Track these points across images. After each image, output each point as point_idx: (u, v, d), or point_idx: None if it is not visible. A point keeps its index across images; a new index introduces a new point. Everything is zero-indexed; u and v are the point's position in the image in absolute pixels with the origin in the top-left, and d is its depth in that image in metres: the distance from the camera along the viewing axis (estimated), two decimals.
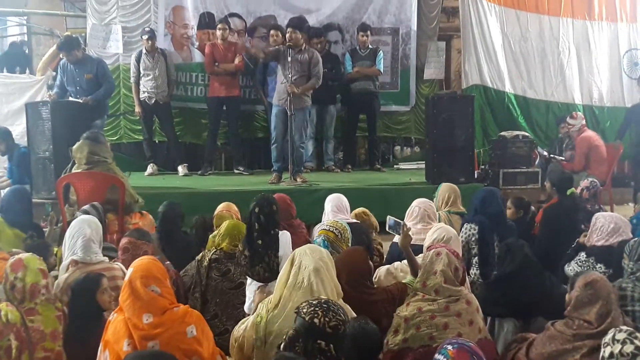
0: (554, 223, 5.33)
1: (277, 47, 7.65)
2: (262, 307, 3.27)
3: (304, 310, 2.56)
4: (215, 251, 4.33)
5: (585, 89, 10.17)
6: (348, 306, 3.24)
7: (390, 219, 4.25)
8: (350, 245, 4.17)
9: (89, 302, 3.39)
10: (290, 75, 7.22)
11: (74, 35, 8.13)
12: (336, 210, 5.13)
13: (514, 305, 3.87)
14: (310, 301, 2.62)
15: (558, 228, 5.21)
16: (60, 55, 7.70)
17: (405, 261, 4.29)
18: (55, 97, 7.27)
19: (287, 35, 7.40)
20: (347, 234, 4.20)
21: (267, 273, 3.90)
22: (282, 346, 2.56)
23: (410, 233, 4.69)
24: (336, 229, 4.18)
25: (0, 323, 3.17)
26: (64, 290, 3.76)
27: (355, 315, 3.19)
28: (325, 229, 4.18)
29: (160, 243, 4.60)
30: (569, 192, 5.85)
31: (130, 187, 5.96)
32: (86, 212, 4.80)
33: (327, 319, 2.52)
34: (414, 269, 3.95)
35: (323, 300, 2.62)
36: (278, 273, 3.81)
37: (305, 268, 3.14)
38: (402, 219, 5.00)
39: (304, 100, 7.51)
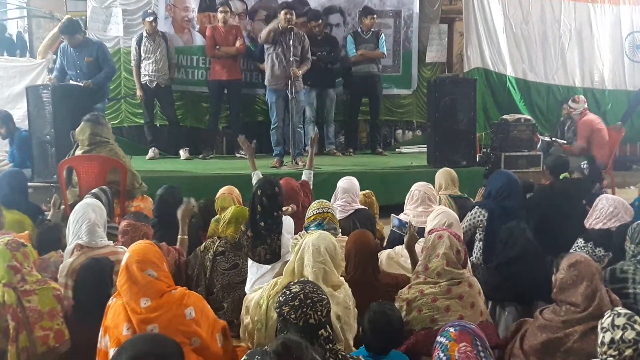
0: (541, 206, 5.25)
1: (275, 27, 7.64)
2: (267, 289, 3.29)
3: (292, 315, 2.49)
4: (219, 243, 4.29)
5: (587, 72, 10.16)
6: (349, 289, 3.26)
7: (394, 219, 4.25)
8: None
9: (99, 285, 3.37)
10: (291, 59, 7.23)
11: (74, 19, 8.09)
12: (346, 193, 5.12)
13: (516, 290, 3.85)
14: (291, 302, 2.51)
15: (546, 212, 5.13)
16: (61, 39, 7.66)
17: (398, 247, 4.30)
18: (55, 81, 7.24)
19: (287, 17, 7.40)
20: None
21: (269, 255, 3.90)
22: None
23: (411, 216, 4.75)
24: (328, 208, 4.30)
25: None
26: (69, 274, 3.75)
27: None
28: (320, 212, 4.24)
29: (157, 227, 4.57)
30: (561, 176, 5.85)
31: (134, 170, 5.98)
32: (95, 196, 4.81)
33: (318, 313, 2.50)
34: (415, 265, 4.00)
35: (302, 296, 2.52)
36: (279, 255, 3.88)
37: (309, 265, 3.17)
38: (404, 203, 5.04)
39: (300, 83, 7.60)
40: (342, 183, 5.22)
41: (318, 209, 4.32)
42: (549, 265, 3.84)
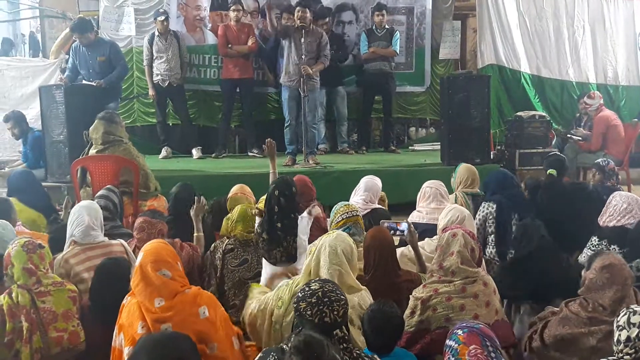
0: (551, 203, 5.24)
1: (288, 24, 7.62)
2: (285, 290, 3.26)
3: (308, 312, 2.48)
4: (228, 241, 4.30)
5: (600, 67, 10.10)
6: (367, 296, 3.24)
7: (384, 223, 4.20)
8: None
9: (116, 285, 3.37)
10: (303, 57, 7.22)
11: (86, 17, 8.12)
12: (368, 192, 5.13)
13: (531, 288, 3.82)
14: (309, 299, 2.51)
15: (556, 208, 5.09)
16: (73, 38, 7.68)
17: (420, 243, 4.28)
18: (67, 81, 7.27)
19: (299, 14, 7.37)
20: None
21: (284, 257, 3.89)
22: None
23: (424, 213, 4.74)
24: (355, 211, 4.20)
25: (12, 305, 3.20)
26: (61, 265, 3.84)
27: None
28: (350, 216, 4.13)
29: (172, 225, 4.59)
30: (549, 171, 5.85)
31: (148, 171, 6.00)
32: (105, 197, 4.83)
33: (335, 312, 2.47)
34: (421, 265, 3.99)
35: (320, 293, 2.51)
36: (295, 257, 3.88)
37: (325, 267, 3.14)
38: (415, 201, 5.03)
39: (315, 81, 7.56)
40: (366, 180, 5.22)
41: (346, 212, 4.14)
42: (565, 262, 3.82)
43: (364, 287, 3.30)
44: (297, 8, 7.50)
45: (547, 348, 3.13)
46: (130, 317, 2.91)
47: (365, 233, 4.21)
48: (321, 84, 8.14)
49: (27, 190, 5.32)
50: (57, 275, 3.63)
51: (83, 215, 4.03)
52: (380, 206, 5.16)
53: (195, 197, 4.55)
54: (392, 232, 4.03)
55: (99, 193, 5.01)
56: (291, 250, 3.90)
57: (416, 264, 4.04)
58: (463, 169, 5.51)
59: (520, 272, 3.87)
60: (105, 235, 4.17)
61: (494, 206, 4.82)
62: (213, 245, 4.37)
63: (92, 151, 5.95)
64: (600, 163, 5.92)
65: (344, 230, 3.98)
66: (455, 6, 9.87)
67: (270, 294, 3.42)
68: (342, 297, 2.54)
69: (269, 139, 5.19)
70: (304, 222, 4.09)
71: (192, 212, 4.51)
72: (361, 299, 3.19)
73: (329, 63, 7.72)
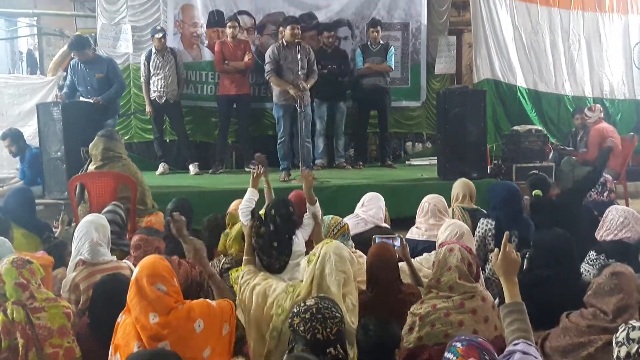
0: (543, 219, 5.22)
1: (277, 49, 7.76)
2: (285, 298, 3.25)
3: (301, 328, 2.48)
4: (225, 260, 4.28)
5: (596, 81, 10.12)
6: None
7: (376, 238, 4.21)
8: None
9: (116, 302, 3.35)
10: (300, 72, 7.28)
11: (83, 35, 8.16)
12: (374, 209, 5.16)
13: (543, 313, 3.62)
14: (303, 315, 2.52)
15: (548, 224, 5.05)
16: (72, 55, 7.70)
17: (418, 258, 4.29)
18: (64, 98, 7.29)
19: (294, 31, 7.47)
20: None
21: (270, 271, 3.80)
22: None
23: (423, 229, 4.74)
24: (342, 220, 4.44)
25: (7, 322, 3.18)
26: (72, 289, 3.79)
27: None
28: (342, 226, 4.33)
29: (169, 241, 4.56)
30: (534, 192, 5.85)
31: (146, 187, 6.00)
32: (111, 211, 4.84)
33: (327, 329, 2.47)
34: (416, 278, 4.00)
35: (315, 310, 2.52)
36: (281, 271, 3.80)
37: (332, 274, 3.15)
38: (415, 215, 5.03)
39: (307, 97, 7.66)
40: (374, 197, 5.28)
41: (339, 224, 4.36)
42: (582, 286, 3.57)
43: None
44: (291, 26, 7.62)
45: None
46: (126, 336, 2.90)
47: (352, 241, 4.27)
48: (323, 99, 8.21)
49: (19, 209, 5.29)
50: (67, 300, 3.61)
51: (91, 231, 4.01)
52: (385, 225, 5.16)
53: (168, 217, 4.43)
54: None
55: (107, 208, 5.03)
56: (280, 267, 3.82)
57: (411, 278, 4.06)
58: (458, 184, 5.53)
59: (534, 296, 3.58)
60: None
61: (493, 223, 4.82)
62: (210, 264, 4.32)
63: (92, 167, 5.98)
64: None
65: (341, 238, 4.09)
66: (450, 21, 9.93)
67: (268, 289, 3.40)
68: (337, 314, 2.54)
69: (257, 154, 5.15)
70: (301, 238, 4.02)
71: (173, 232, 4.40)
72: (354, 300, 3.22)
73: (331, 78, 7.80)
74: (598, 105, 8.84)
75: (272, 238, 3.81)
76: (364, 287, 3.69)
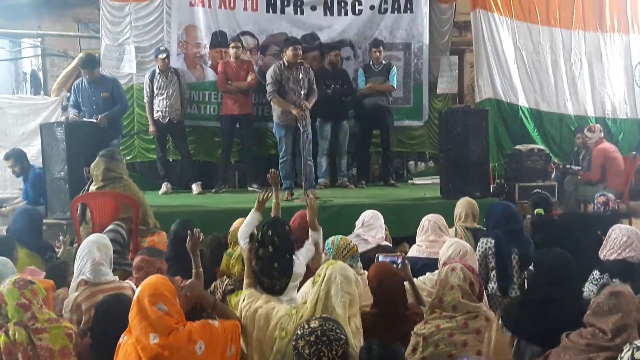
0: (548, 238, 5.23)
1: (279, 69, 7.82)
2: (288, 321, 3.23)
3: (306, 351, 2.46)
4: (228, 281, 4.25)
5: (598, 101, 10.16)
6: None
7: (380, 256, 4.20)
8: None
9: (118, 322, 3.34)
10: (302, 92, 7.33)
11: (94, 54, 8.24)
12: (376, 228, 5.19)
13: (546, 331, 3.59)
14: (307, 337, 2.50)
15: (553, 243, 5.05)
16: (81, 73, 7.69)
17: (421, 277, 4.27)
18: (75, 116, 7.36)
19: (297, 52, 7.54)
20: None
21: (270, 292, 3.72)
22: None
23: (424, 247, 4.74)
24: (351, 241, 4.28)
25: (9, 343, 3.18)
26: (73, 310, 3.78)
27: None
28: (351, 247, 4.22)
29: (172, 262, 4.54)
30: (536, 211, 5.88)
31: (148, 207, 5.99)
32: (113, 230, 4.84)
33: (333, 352, 2.45)
34: (417, 297, 3.97)
35: (320, 332, 2.51)
36: (281, 292, 3.71)
37: (337, 295, 3.12)
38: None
39: (308, 116, 7.67)
40: (374, 215, 5.27)
41: (348, 245, 4.21)
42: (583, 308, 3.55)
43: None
44: (292, 46, 7.70)
45: None
46: (127, 357, 2.89)
47: (360, 262, 4.24)
48: (326, 118, 8.24)
49: (25, 229, 5.30)
50: (69, 320, 3.62)
51: (93, 250, 4.00)
52: (387, 243, 5.16)
53: (189, 232, 4.45)
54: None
55: (108, 228, 5.01)
56: (282, 290, 3.73)
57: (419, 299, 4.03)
58: (461, 203, 5.53)
59: (536, 313, 3.61)
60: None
61: (492, 241, 4.81)
62: (213, 285, 4.30)
63: (93, 188, 5.98)
64: (597, 202, 5.93)
65: (349, 260, 4.01)
66: (452, 41, 9.99)
67: (270, 312, 3.37)
68: (342, 336, 2.52)
69: (272, 170, 5.10)
70: (301, 260, 3.96)
71: (188, 247, 4.42)
72: (358, 322, 3.20)
73: (334, 97, 7.85)
74: (597, 125, 8.85)
75: (273, 259, 3.72)
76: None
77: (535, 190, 7.26)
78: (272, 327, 3.30)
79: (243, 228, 4.16)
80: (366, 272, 4.05)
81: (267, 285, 3.68)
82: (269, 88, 7.83)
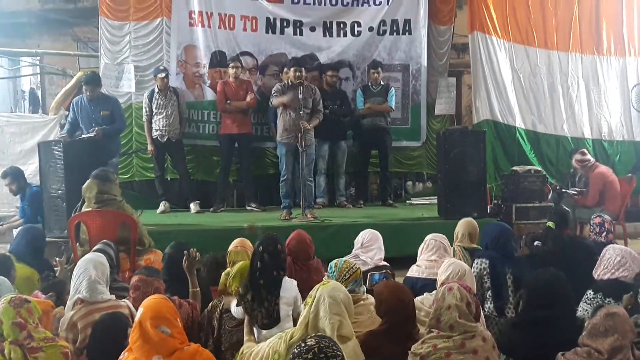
0: (546, 257, 5.28)
1: (282, 87, 7.87)
2: (279, 343, 3.21)
3: None
4: (225, 301, 4.24)
5: (595, 123, 10.20)
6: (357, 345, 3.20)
7: (374, 274, 4.19)
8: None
9: (115, 341, 3.33)
10: (302, 112, 7.35)
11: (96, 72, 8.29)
12: (375, 248, 5.18)
13: (540, 353, 3.53)
14: (305, 355, 2.43)
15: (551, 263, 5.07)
16: (84, 89, 7.68)
17: (419, 297, 4.25)
18: (66, 136, 7.36)
19: (296, 73, 7.56)
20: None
21: (266, 320, 3.74)
22: None
23: (424, 267, 4.73)
24: (355, 264, 4.18)
25: None
26: (69, 328, 3.76)
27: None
28: (355, 271, 4.10)
29: (168, 285, 4.50)
30: (547, 224, 5.95)
31: (143, 228, 5.96)
32: (100, 250, 4.79)
33: None
34: None
35: (317, 349, 2.46)
36: (278, 321, 3.73)
37: (326, 317, 3.09)
38: (416, 254, 5.01)
39: (311, 136, 7.68)
40: (373, 235, 5.25)
41: (351, 268, 4.09)
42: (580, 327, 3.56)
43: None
44: (294, 68, 7.71)
45: None
46: None
47: (364, 287, 4.21)
48: (325, 138, 8.26)
49: (26, 248, 5.30)
50: (64, 339, 3.60)
51: (89, 269, 3.98)
52: (386, 263, 5.15)
53: (185, 252, 4.44)
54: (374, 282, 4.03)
55: (96, 247, 4.96)
56: (273, 312, 3.74)
57: (420, 320, 4.01)
58: (461, 223, 5.52)
59: (527, 334, 3.64)
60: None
61: (487, 262, 4.82)
62: (211, 304, 4.27)
63: (85, 209, 5.91)
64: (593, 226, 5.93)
65: (352, 284, 3.96)
66: (450, 63, 10.05)
67: (264, 345, 3.36)
68: (338, 353, 2.50)
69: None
70: (289, 282, 3.95)
71: (184, 266, 4.41)
72: (352, 348, 3.14)
73: (333, 117, 7.85)
74: (585, 150, 8.89)
75: (259, 276, 3.77)
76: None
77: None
78: (266, 354, 3.26)
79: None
80: (370, 297, 4.04)
81: (256, 310, 3.71)
82: (273, 94, 7.92)
